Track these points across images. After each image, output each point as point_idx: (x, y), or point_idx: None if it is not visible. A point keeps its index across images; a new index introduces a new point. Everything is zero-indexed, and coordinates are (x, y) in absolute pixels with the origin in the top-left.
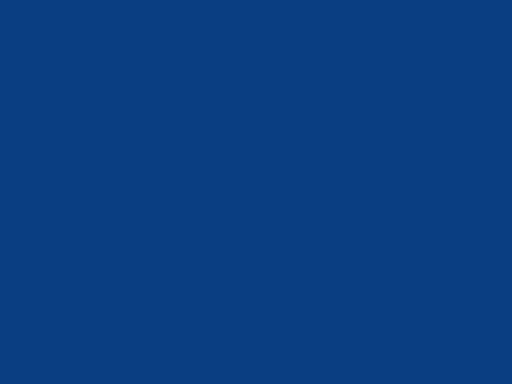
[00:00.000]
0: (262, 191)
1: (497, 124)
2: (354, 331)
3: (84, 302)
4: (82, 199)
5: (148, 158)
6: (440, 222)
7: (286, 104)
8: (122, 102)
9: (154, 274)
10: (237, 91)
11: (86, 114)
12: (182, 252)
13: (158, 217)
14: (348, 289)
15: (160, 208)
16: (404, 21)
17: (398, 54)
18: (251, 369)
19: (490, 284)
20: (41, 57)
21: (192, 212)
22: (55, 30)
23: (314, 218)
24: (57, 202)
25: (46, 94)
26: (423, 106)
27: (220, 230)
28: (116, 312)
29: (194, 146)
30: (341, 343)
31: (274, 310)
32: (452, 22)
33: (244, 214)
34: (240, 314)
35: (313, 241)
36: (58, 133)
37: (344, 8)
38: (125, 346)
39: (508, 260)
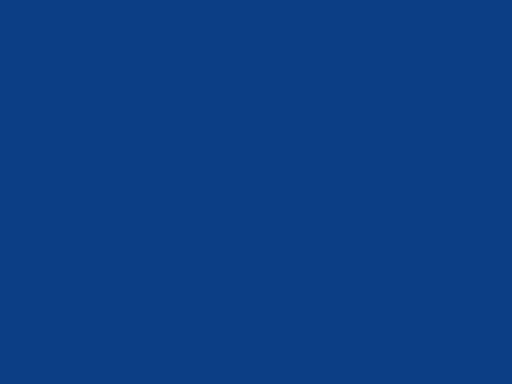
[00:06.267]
0: (261, 191)
1: (497, 124)
2: (353, 331)
3: (84, 302)
4: (81, 199)
5: (148, 158)
6: (440, 222)
7: (286, 104)
8: (121, 102)
9: (154, 274)
10: (237, 91)
11: (86, 114)
12: (182, 252)
13: (157, 217)
14: (348, 289)
15: (160, 208)
16: (404, 21)
17: (398, 54)
18: (251, 369)
19: (490, 284)
20: (41, 57)
21: (192, 212)
22: (55, 30)
23: (314, 218)
24: (57, 201)
25: (45, 94)
26: (423, 105)
27: (220, 230)
28: (116, 312)
29: (194, 146)
30: (341, 343)
31: (274, 311)
32: (452, 22)
33: (244, 214)
34: (240, 314)
35: (313, 241)
36: (57, 133)
37: (344, 8)
38: (125, 346)
39: (508, 260)
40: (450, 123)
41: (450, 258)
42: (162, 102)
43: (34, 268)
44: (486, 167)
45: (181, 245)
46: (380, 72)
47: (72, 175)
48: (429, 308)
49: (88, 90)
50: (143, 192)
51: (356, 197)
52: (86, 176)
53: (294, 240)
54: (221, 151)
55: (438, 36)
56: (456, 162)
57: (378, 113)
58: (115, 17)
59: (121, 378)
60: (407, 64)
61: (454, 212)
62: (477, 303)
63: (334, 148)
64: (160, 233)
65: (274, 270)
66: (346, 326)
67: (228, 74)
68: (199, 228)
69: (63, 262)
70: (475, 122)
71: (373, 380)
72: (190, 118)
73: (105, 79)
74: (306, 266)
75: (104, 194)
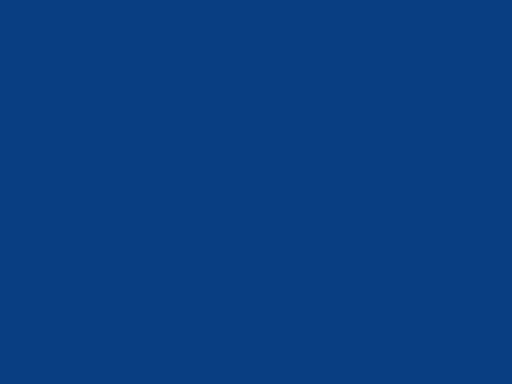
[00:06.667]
0: (262, 191)
1: (497, 124)
2: (353, 331)
3: (84, 302)
4: (82, 199)
5: (148, 158)
6: (440, 222)
7: (285, 104)
8: (122, 102)
9: (154, 274)
10: (237, 91)
11: (86, 114)
12: (182, 252)
13: (158, 217)
14: (348, 289)
15: (160, 208)
16: (404, 21)
17: (398, 53)
18: (251, 369)
19: (490, 284)
20: (41, 57)
21: (192, 212)
22: (55, 30)
23: (314, 218)
24: (57, 202)
25: (46, 94)
26: (423, 106)
27: (220, 230)
28: (116, 312)
29: (194, 146)
30: (341, 343)
31: (274, 310)
32: (452, 22)
33: (244, 214)
34: (240, 314)
35: (313, 241)
36: (58, 133)
37: (344, 8)
38: (125, 345)
39: (508, 260)
40: (450, 123)
41: (450, 258)
42: (162, 102)
43: (34, 268)
44: (486, 167)
45: (181, 245)
46: (380, 72)
47: (72, 175)
48: (429, 308)
49: (88, 89)
50: (143, 192)
51: (356, 197)
52: (86, 176)
53: (294, 240)
54: (221, 151)
55: (438, 36)
56: (456, 162)
57: (378, 113)
58: (115, 17)
59: (121, 378)
60: (407, 64)
61: (454, 212)
62: (477, 303)
63: (334, 148)
64: (160, 233)
65: (274, 270)
66: (346, 326)
67: (228, 74)
68: (199, 228)
69: (63, 262)
70: (475, 122)
71: (373, 380)
72: (190, 117)
73: (105, 79)
74: (306, 266)
75: (104, 194)
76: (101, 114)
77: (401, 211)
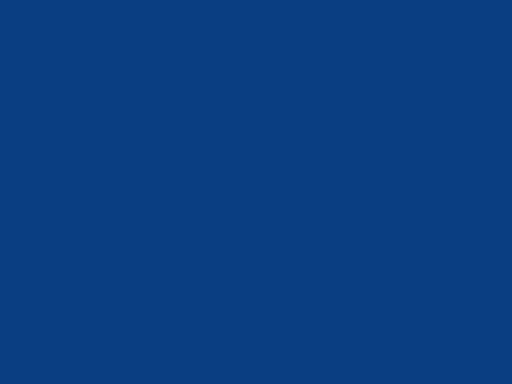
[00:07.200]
0: (262, 191)
1: (497, 124)
2: (354, 331)
3: (84, 302)
4: (82, 199)
5: (148, 158)
6: (440, 222)
7: (286, 104)
8: (122, 102)
9: (154, 274)
10: (237, 91)
11: (86, 114)
12: (182, 252)
13: (158, 217)
14: (348, 289)
15: (160, 208)
16: (404, 21)
17: (398, 53)
18: (251, 369)
19: (490, 284)
20: (41, 57)
21: (192, 212)
22: (55, 30)
23: (314, 218)
24: (57, 202)
25: (46, 94)
26: (423, 106)
27: (220, 230)
28: (116, 312)
29: (194, 147)
30: (341, 343)
31: (274, 310)
32: (452, 22)
33: (244, 215)
34: (240, 314)
35: (313, 241)
36: (58, 133)
37: (344, 8)
38: (125, 345)
39: (508, 260)
40: (450, 123)
41: (450, 258)
42: (162, 102)
43: (34, 268)
44: (486, 167)
45: (181, 245)
46: (380, 72)
47: (72, 175)
48: (429, 308)
49: (88, 89)
50: (143, 192)
51: (356, 197)
52: (86, 176)
53: (294, 240)
54: (221, 151)
55: (438, 36)
56: (456, 162)
57: (378, 113)
58: (115, 17)
59: (121, 378)
60: (407, 64)
61: (454, 212)
62: (477, 303)
63: (334, 148)
64: (160, 233)
65: (274, 270)
66: (346, 326)
67: (228, 74)
68: (199, 228)
69: (63, 262)
70: (475, 122)
71: (373, 380)
72: (190, 118)
73: (105, 79)
74: (306, 266)
75: (104, 195)
76: (100, 113)
77: (401, 211)
